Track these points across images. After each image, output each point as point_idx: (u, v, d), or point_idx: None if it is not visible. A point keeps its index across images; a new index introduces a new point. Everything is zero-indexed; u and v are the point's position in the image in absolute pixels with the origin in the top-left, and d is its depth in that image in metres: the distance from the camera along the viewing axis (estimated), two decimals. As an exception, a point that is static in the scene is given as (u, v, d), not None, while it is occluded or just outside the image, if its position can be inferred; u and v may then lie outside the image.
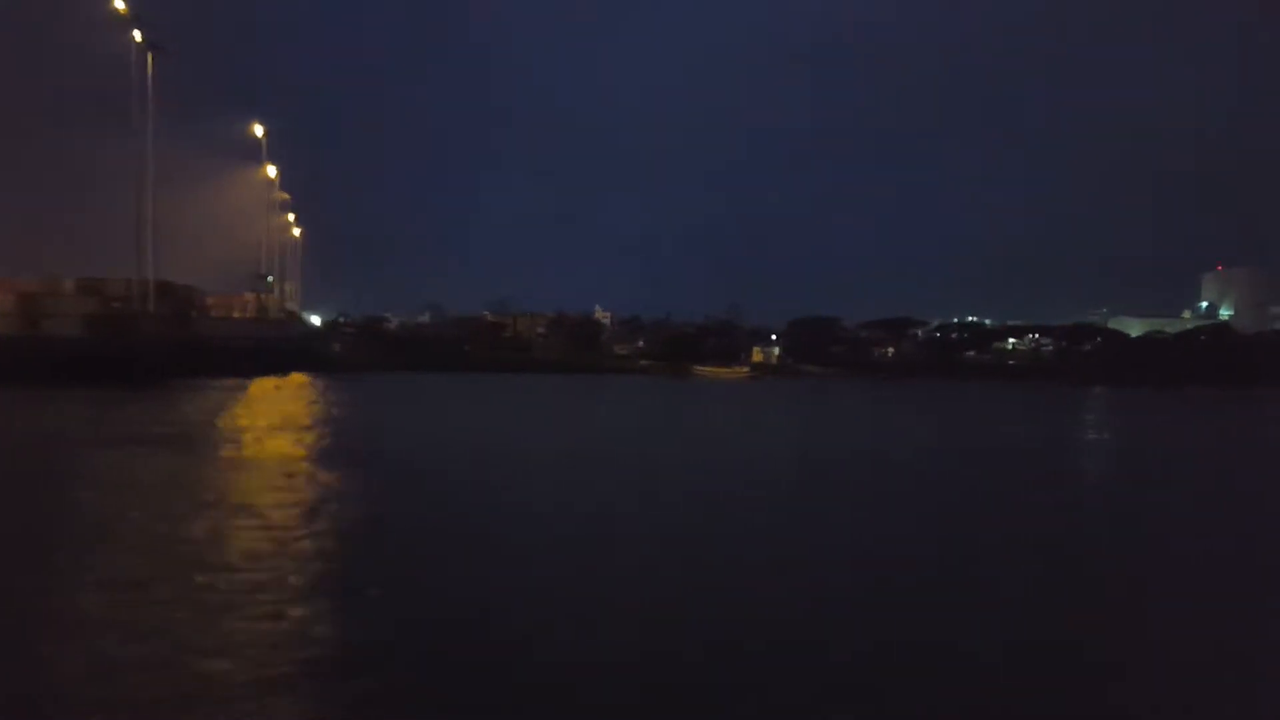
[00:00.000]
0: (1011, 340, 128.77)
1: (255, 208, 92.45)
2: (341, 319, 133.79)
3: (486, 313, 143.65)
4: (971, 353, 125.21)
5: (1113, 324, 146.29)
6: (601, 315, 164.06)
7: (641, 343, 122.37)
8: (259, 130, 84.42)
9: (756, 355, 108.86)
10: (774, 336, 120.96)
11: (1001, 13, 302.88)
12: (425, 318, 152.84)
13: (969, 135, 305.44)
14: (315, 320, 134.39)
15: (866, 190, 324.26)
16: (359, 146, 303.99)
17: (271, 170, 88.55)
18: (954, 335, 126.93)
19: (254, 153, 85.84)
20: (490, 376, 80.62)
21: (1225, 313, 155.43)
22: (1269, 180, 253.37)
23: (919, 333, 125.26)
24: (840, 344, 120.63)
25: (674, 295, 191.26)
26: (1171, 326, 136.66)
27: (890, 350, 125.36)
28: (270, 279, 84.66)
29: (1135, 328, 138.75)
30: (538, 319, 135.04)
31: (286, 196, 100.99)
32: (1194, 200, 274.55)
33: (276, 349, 76.67)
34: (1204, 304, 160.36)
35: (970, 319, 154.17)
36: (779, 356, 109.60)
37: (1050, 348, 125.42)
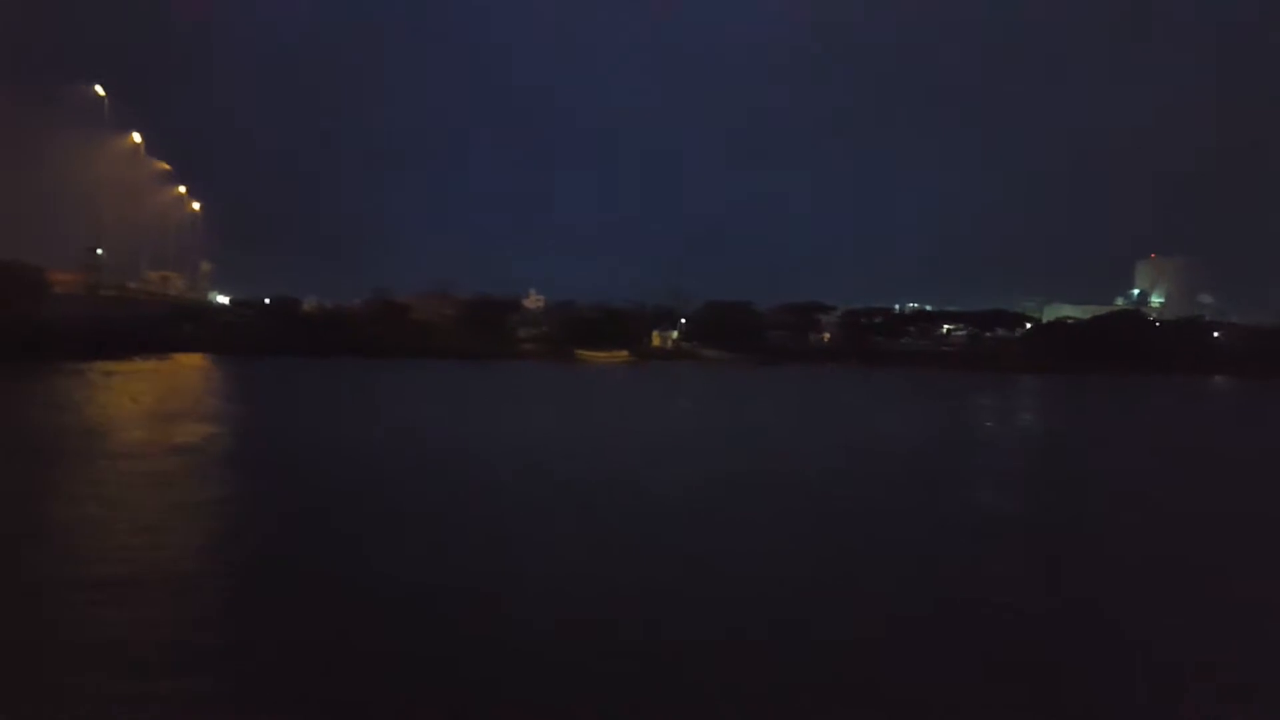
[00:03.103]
0: (918, 326, 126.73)
1: (130, 181, 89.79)
2: (269, 301, 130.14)
3: (399, 297, 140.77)
4: (890, 338, 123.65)
5: (1048, 311, 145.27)
6: (533, 300, 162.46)
7: (545, 327, 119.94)
8: (101, 92, 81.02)
9: (655, 339, 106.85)
10: (682, 320, 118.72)
11: (952, 6, 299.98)
12: (358, 301, 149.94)
13: (924, 125, 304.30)
14: (224, 301, 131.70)
15: (823, 178, 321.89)
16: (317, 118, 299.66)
17: (137, 138, 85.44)
18: (864, 321, 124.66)
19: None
20: (355, 363, 78.64)
21: (1157, 300, 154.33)
22: (1204, 171, 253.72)
23: (823, 318, 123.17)
24: (749, 329, 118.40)
25: (644, 281, 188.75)
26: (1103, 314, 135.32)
27: (816, 335, 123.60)
28: (100, 252, 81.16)
29: (1071, 314, 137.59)
30: (449, 301, 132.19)
31: (165, 167, 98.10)
32: (1133, 191, 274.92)
33: (117, 330, 73.63)
34: (1136, 291, 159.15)
35: (911, 305, 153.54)
36: (675, 341, 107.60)
37: (964, 334, 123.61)
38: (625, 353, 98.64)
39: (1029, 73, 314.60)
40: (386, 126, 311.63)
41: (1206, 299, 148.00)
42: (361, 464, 22.24)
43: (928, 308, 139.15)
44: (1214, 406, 60.45)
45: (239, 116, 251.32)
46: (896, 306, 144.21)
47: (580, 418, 36.71)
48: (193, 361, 71.99)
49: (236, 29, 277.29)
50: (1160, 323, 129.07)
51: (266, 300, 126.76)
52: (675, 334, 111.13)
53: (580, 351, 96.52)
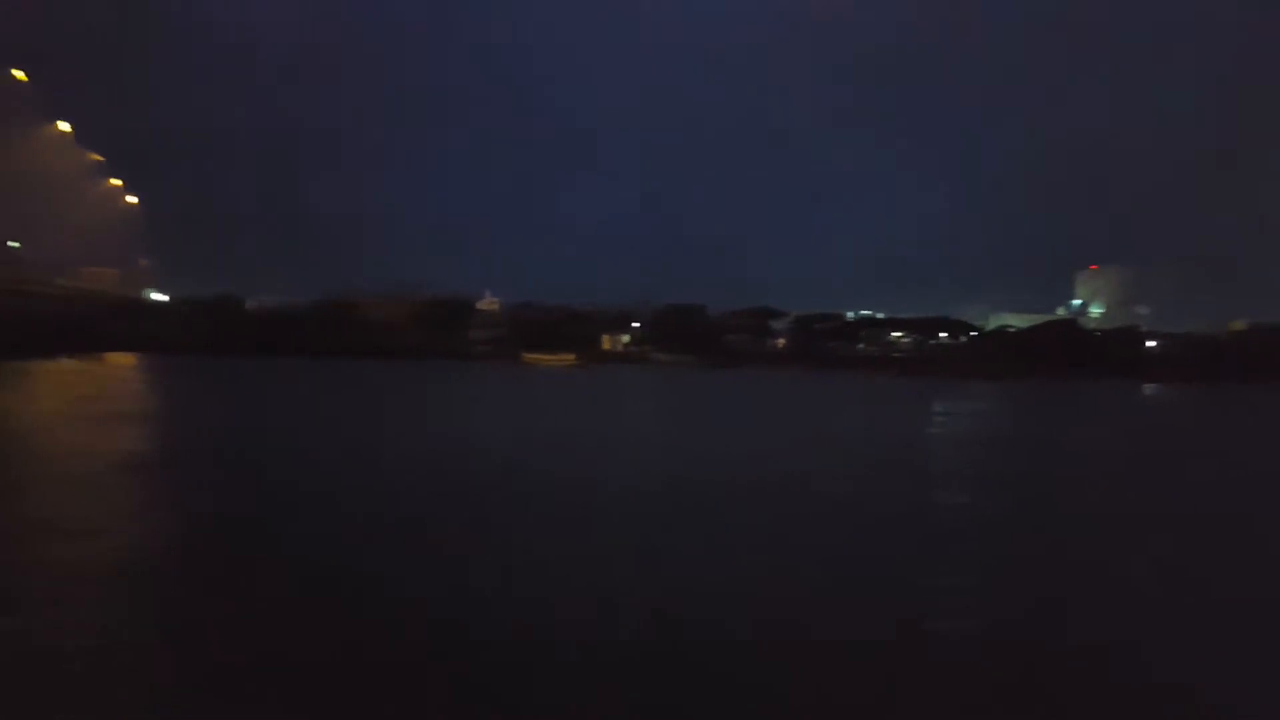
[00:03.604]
0: (869, 332, 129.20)
1: (59, 172, 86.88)
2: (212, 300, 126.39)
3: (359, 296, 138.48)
4: (843, 344, 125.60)
5: (993, 319, 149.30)
6: (489, 302, 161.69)
7: (501, 329, 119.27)
8: (21, 77, 78.24)
9: (606, 342, 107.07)
10: (635, 324, 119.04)
11: (897, 13, 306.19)
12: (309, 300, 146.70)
13: (881, 138, 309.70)
14: (163, 298, 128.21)
15: (779, 185, 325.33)
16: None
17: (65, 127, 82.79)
18: (818, 326, 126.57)
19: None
20: (295, 363, 77.11)
21: (1096, 309, 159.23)
22: (1142, 182, 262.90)
23: (774, 324, 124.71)
24: (703, 333, 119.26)
25: (608, 283, 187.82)
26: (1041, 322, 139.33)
27: (771, 341, 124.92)
28: (16, 245, 78.50)
29: (1013, 323, 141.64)
30: (402, 301, 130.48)
31: (98, 158, 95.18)
32: (1077, 202, 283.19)
33: (41, 329, 71.00)
34: (1076, 301, 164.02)
35: (865, 312, 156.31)
36: (626, 344, 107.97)
37: (909, 340, 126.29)
38: (572, 356, 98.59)
39: (981, 83, 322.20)
40: (349, 121, 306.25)
41: (1142, 309, 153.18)
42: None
43: (879, 315, 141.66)
44: (1124, 411, 62.18)
45: (191, 106, 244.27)
46: (850, 314, 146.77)
47: (455, 420, 36.07)
48: (122, 362, 69.81)
49: (184, 13, 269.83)
50: (1098, 331, 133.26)
51: (210, 298, 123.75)
52: (627, 337, 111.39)
53: (528, 354, 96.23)
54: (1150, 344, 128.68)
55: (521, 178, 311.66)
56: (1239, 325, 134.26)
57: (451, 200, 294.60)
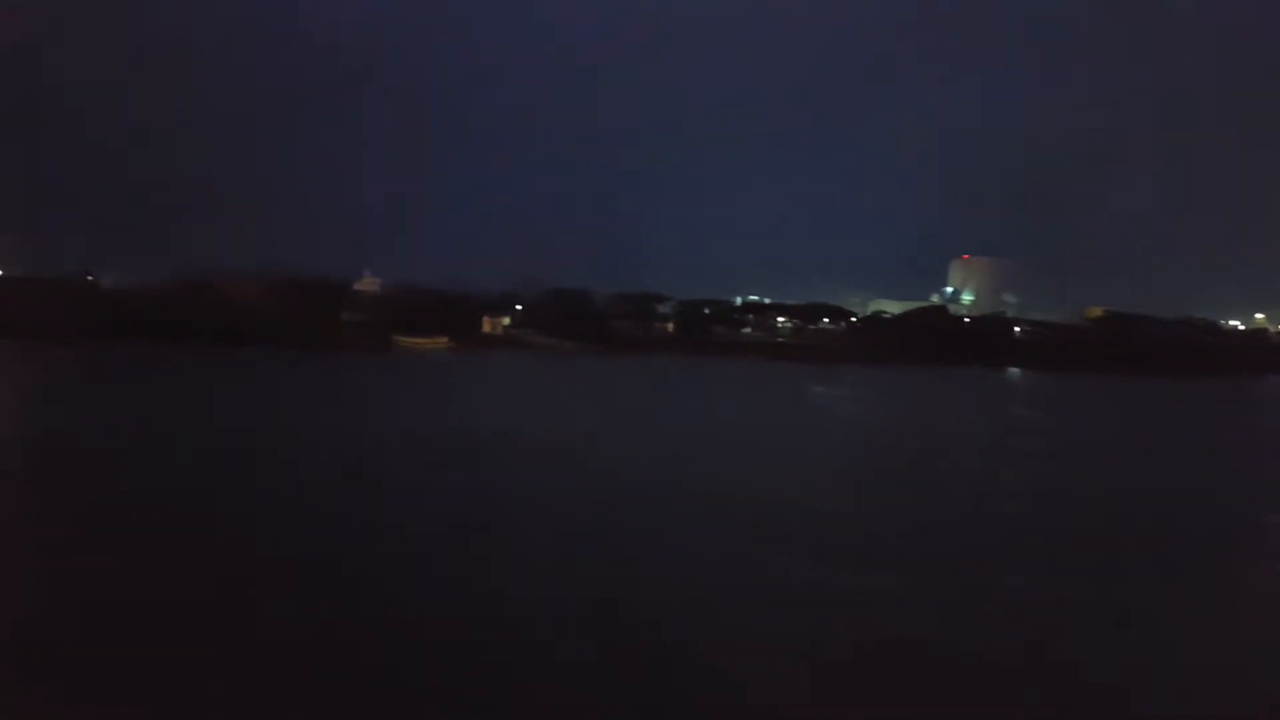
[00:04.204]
0: (755, 317, 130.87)
1: None
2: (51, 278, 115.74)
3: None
4: (731, 329, 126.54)
5: (872, 306, 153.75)
6: (368, 283, 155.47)
7: (377, 311, 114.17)
8: None
9: (486, 325, 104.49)
10: (518, 307, 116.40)
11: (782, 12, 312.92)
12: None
13: (770, 126, 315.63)
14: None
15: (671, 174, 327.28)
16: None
17: None
18: (707, 311, 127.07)
19: None
20: (132, 349, 71.20)
21: (967, 298, 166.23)
22: (1021, 176, 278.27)
23: (660, 308, 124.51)
24: (586, 317, 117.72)
25: (506, 266, 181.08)
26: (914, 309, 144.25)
27: (659, 326, 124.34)
28: None
29: (892, 309, 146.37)
30: (271, 282, 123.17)
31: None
32: (963, 193, 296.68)
33: None
34: (949, 289, 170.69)
35: (753, 298, 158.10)
36: (507, 327, 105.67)
37: (790, 326, 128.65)
38: (445, 339, 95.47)
39: (862, 74, 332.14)
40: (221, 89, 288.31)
41: (1010, 298, 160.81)
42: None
43: (766, 300, 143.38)
44: (975, 393, 64.14)
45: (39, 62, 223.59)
46: (738, 299, 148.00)
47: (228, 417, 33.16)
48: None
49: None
50: (968, 319, 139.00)
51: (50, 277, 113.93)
52: (508, 320, 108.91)
53: (401, 338, 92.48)
54: (1016, 330, 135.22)
55: (411, 158, 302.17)
56: (1097, 312, 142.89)
57: (340, 178, 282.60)
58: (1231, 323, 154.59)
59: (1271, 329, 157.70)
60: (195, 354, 65.10)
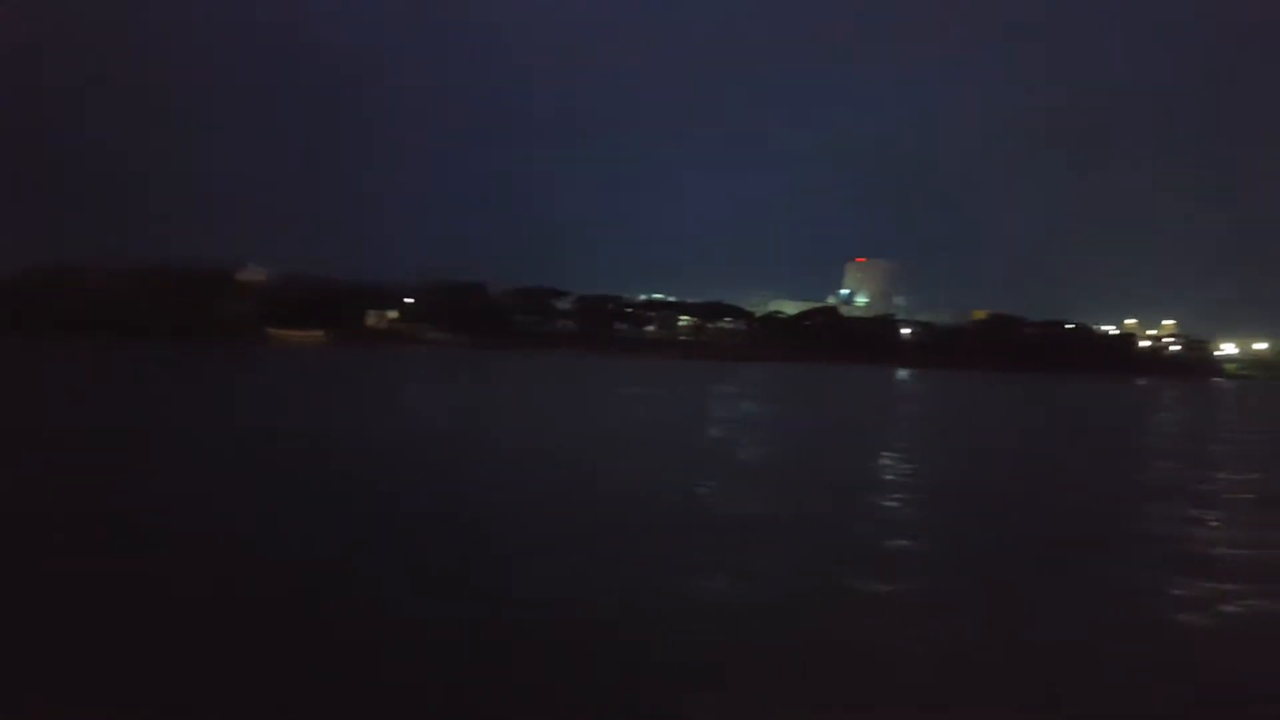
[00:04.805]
0: (659, 315, 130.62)
1: None
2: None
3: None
4: (634, 326, 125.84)
5: (772, 305, 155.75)
6: (252, 273, 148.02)
7: (257, 302, 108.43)
8: None
9: (371, 319, 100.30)
10: (407, 300, 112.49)
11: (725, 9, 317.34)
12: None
13: (682, 127, 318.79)
14: None
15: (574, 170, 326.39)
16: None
17: None
18: (610, 307, 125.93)
19: None
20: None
21: (861, 300, 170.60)
22: (923, 182, 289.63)
23: (557, 304, 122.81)
24: (479, 311, 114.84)
25: (404, 259, 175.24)
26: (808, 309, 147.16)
27: (561, 321, 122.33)
28: None
29: (789, 309, 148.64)
30: (144, 270, 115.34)
31: None
32: (866, 197, 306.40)
33: None
34: (845, 291, 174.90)
35: (657, 295, 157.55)
36: (394, 321, 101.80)
37: (690, 324, 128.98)
38: (321, 333, 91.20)
39: (782, 78, 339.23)
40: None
41: (899, 299, 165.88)
42: None
43: (670, 299, 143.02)
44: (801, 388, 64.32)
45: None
46: (643, 296, 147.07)
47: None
48: None
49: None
50: (860, 319, 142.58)
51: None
52: (395, 313, 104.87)
53: (275, 331, 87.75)
54: (905, 331, 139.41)
55: (310, 150, 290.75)
56: (980, 314, 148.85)
57: (246, 168, 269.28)
58: (1104, 327, 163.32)
59: (1141, 333, 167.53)
60: (37, 348, 59.66)
